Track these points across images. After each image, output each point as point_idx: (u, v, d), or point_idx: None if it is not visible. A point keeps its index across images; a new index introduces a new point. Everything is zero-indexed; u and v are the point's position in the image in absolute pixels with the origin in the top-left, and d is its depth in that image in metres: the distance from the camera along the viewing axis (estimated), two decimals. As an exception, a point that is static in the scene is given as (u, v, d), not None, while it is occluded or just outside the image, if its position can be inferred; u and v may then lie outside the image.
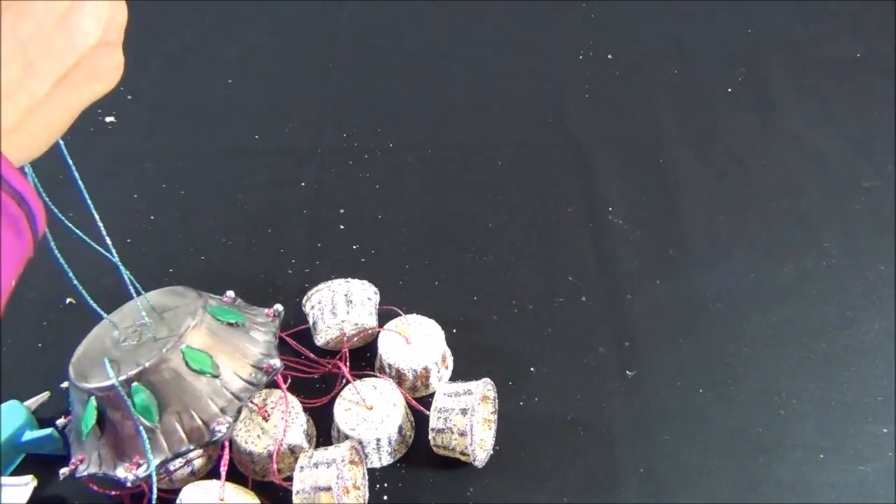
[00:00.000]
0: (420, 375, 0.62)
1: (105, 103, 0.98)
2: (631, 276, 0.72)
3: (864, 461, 0.59)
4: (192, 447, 0.53)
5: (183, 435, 0.53)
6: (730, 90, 0.91)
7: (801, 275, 0.72)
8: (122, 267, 0.54)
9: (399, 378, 0.62)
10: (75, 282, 0.51)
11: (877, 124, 0.87)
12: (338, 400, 0.59)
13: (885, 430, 0.61)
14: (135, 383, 0.52)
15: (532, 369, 0.65)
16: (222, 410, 0.53)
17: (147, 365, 0.52)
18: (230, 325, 0.57)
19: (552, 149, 0.85)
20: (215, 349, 0.55)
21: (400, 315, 0.65)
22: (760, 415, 0.62)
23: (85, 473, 0.54)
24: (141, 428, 0.52)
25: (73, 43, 0.37)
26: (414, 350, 0.62)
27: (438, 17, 1.02)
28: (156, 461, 0.52)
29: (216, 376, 0.54)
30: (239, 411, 0.54)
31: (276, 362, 0.56)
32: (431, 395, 0.60)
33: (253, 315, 0.61)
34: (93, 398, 0.53)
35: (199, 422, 0.53)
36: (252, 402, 0.58)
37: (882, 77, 0.92)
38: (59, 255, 0.50)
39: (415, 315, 0.65)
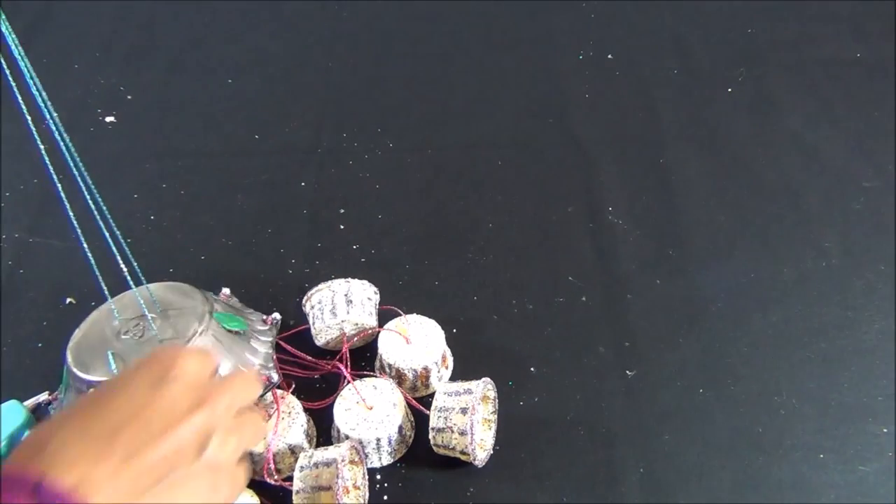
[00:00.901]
0: (420, 375, 0.62)
1: (105, 103, 0.99)
2: (631, 276, 0.72)
3: (864, 461, 0.59)
4: None
5: None
6: (730, 90, 0.91)
7: (801, 275, 0.72)
8: (128, 252, 0.54)
9: (399, 378, 0.62)
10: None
11: (877, 124, 0.87)
12: (338, 400, 0.59)
13: (885, 430, 0.61)
14: None
15: (532, 369, 0.65)
16: None
17: None
18: (233, 333, 0.57)
19: (552, 149, 0.85)
20: (218, 358, 0.55)
21: (400, 315, 0.65)
22: (760, 415, 0.62)
23: None
24: None
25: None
26: (414, 350, 0.62)
27: (438, 17, 1.02)
28: None
29: None
30: None
31: (274, 375, 0.57)
32: (431, 395, 0.60)
33: (253, 321, 0.61)
34: (92, 391, 0.53)
35: None
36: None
37: (882, 77, 0.92)
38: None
39: (415, 315, 0.65)
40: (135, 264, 0.57)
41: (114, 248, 0.54)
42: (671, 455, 0.60)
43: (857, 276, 0.72)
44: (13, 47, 0.42)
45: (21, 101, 0.44)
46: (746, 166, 0.82)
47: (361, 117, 0.89)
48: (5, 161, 0.82)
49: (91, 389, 0.45)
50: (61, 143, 0.48)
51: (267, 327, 0.61)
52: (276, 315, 0.62)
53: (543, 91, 0.91)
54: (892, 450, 0.60)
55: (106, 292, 0.55)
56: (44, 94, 0.45)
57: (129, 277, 0.56)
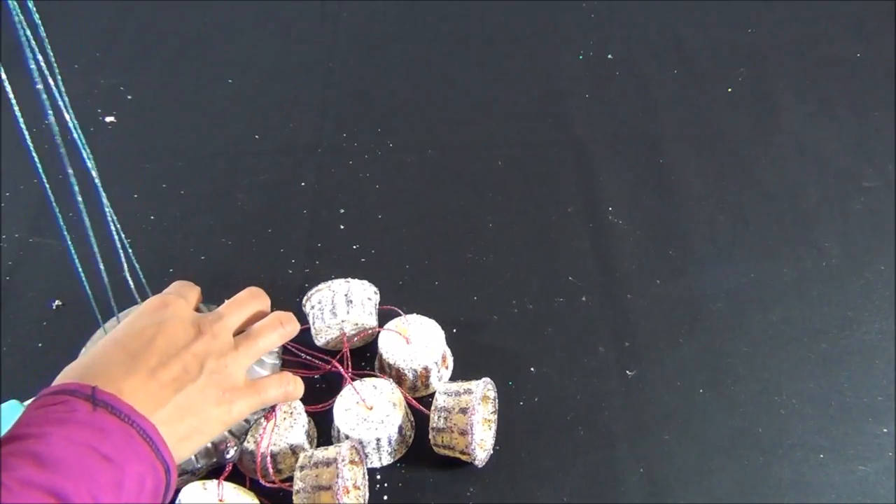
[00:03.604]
0: (420, 375, 0.62)
1: (105, 103, 0.99)
2: (631, 276, 0.72)
3: (864, 461, 0.59)
4: (200, 466, 0.53)
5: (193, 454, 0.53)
6: (730, 90, 0.91)
7: (801, 275, 0.72)
8: (138, 270, 0.55)
9: (399, 378, 0.62)
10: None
11: (877, 124, 0.87)
12: (338, 400, 0.59)
13: (885, 430, 0.61)
14: None
15: (532, 369, 0.65)
16: (231, 432, 0.54)
17: None
18: None
19: (552, 149, 0.85)
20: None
21: (400, 315, 0.65)
22: (760, 415, 0.62)
23: None
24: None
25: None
26: (414, 350, 0.62)
27: (438, 17, 1.02)
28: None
29: None
30: (246, 433, 0.55)
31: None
32: (431, 395, 0.60)
33: None
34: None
35: (209, 443, 0.53)
36: None
37: (882, 77, 0.92)
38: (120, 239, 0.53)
39: (415, 315, 0.65)
40: (136, 266, 0.57)
41: (121, 252, 0.54)
42: (671, 455, 0.60)
43: (857, 276, 0.72)
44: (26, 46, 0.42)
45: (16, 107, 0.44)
46: (746, 166, 0.82)
47: (361, 117, 0.89)
48: (5, 161, 0.82)
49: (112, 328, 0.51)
50: (78, 141, 0.48)
51: None
52: None
53: (543, 91, 0.91)
54: (892, 450, 0.60)
55: (90, 294, 0.55)
56: (64, 97, 0.46)
57: (130, 281, 0.56)
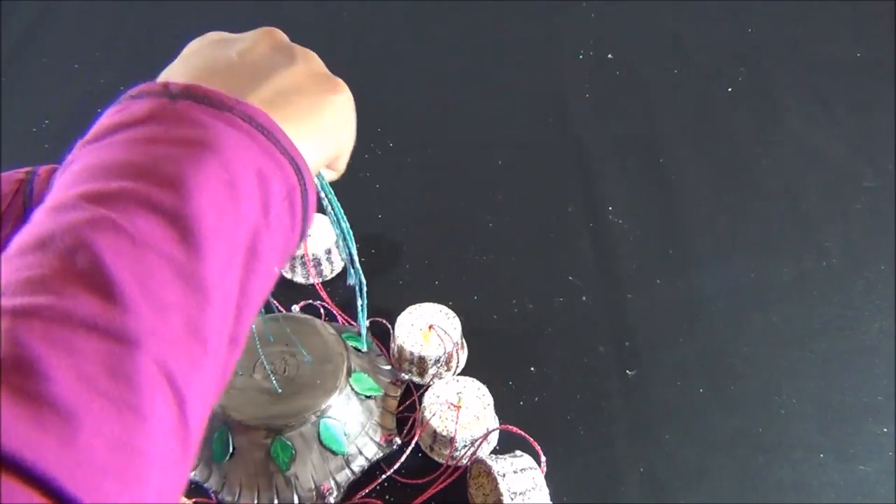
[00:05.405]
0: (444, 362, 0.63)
1: (105, 103, 0.97)
2: (631, 276, 0.72)
3: (864, 461, 0.59)
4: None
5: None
6: (730, 90, 0.91)
7: (801, 275, 0.72)
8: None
9: (421, 366, 0.62)
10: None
11: (877, 124, 0.87)
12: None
13: (885, 430, 0.61)
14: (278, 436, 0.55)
15: (532, 369, 0.65)
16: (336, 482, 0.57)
17: (291, 423, 0.55)
18: (367, 398, 0.59)
19: (552, 149, 0.85)
20: (349, 421, 0.57)
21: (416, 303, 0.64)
22: (760, 415, 0.62)
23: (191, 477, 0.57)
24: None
25: None
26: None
27: (438, 17, 1.02)
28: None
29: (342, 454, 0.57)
30: (349, 485, 0.57)
31: (398, 440, 0.59)
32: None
33: (384, 377, 0.62)
34: (225, 427, 0.56)
35: (313, 485, 0.56)
36: None
37: (882, 77, 0.92)
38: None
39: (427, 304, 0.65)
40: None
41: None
42: (671, 455, 0.60)
43: (857, 276, 0.72)
44: None
45: None
46: (746, 166, 0.82)
47: (361, 117, 0.88)
48: (5, 161, 0.82)
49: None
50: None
51: (397, 380, 0.63)
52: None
53: (543, 91, 0.91)
54: (892, 450, 0.60)
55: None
56: None
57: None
